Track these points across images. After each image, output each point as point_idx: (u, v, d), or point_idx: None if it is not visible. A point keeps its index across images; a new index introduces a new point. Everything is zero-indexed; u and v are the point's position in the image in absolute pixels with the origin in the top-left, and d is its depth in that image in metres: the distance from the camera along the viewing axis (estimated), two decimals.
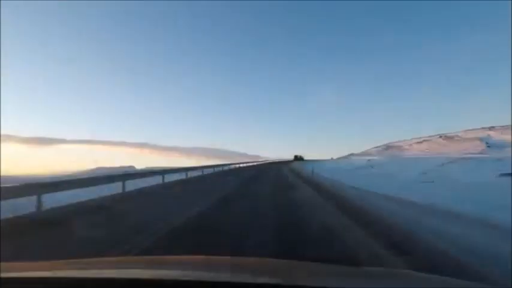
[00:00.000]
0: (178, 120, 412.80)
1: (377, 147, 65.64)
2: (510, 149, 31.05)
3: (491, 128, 57.08)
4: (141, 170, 24.66)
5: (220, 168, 24.68)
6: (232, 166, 28.38)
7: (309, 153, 54.39)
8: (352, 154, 58.39)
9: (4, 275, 0.85)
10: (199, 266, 1.25)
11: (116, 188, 9.46)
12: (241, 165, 32.38)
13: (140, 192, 10.10)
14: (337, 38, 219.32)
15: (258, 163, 40.34)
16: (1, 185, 5.85)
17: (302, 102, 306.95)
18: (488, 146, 44.01)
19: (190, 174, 17.00)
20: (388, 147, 60.19)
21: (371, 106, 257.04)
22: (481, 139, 50.57)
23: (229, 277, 0.99)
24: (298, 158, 49.49)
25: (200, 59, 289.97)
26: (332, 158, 54.09)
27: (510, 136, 41.79)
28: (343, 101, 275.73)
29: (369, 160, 27.21)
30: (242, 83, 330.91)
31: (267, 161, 46.80)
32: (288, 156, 58.00)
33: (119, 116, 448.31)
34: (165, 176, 13.34)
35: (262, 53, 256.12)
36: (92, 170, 60.76)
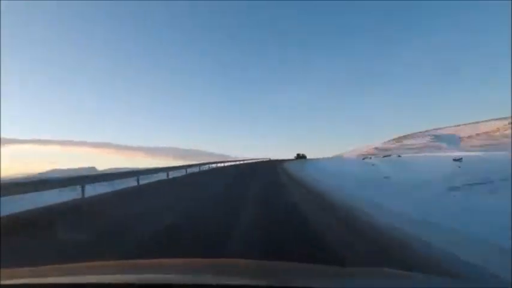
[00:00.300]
0: (142, 119, 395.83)
1: (389, 141, 53.96)
2: None
3: None
4: (103, 171, 22.21)
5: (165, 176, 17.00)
6: (195, 168, 22.53)
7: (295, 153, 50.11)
8: (367, 155, 46.04)
9: (3, 282, 0.87)
10: (181, 268, 1.20)
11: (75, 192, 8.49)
12: (211, 165, 28.33)
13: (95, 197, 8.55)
14: (308, 36, 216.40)
15: (231, 163, 35.25)
16: None
17: (274, 101, 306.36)
18: None
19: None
20: (400, 139, 47.59)
21: (339, 105, 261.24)
22: None
23: (212, 279, 0.95)
24: (300, 156, 47.48)
25: (166, 56, 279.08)
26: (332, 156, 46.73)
27: None
28: (314, 100, 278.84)
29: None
30: (207, 81, 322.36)
31: (245, 161, 42.52)
32: (263, 156, 54.81)
33: (79, 114, 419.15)
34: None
35: (233, 50, 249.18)
36: (46, 172, 51.21)
